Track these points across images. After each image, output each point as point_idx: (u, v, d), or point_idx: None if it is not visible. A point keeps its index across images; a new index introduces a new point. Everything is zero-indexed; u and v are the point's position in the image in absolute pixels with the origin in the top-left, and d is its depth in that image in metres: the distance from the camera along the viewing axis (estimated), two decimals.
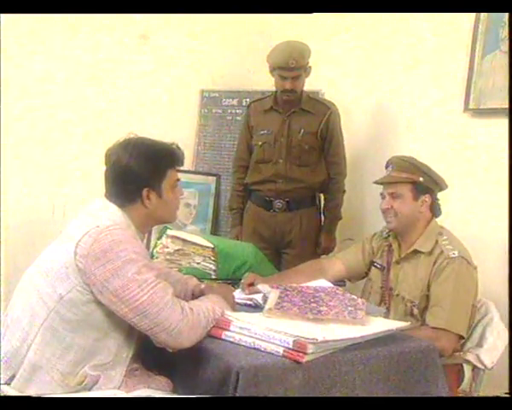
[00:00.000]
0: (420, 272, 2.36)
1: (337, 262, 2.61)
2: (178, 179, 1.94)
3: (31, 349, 1.74)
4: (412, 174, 2.39)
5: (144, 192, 1.85)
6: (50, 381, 1.73)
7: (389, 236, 2.52)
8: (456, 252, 2.31)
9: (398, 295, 2.41)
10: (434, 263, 2.33)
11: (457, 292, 2.27)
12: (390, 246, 2.50)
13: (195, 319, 1.76)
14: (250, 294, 2.27)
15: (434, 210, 2.44)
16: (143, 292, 1.71)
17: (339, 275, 2.58)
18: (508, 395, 1.99)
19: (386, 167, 2.47)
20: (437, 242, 2.36)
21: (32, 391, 1.73)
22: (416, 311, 2.34)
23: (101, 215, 1.81)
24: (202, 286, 2.11)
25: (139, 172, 1.84)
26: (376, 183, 2.49)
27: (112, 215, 1.82)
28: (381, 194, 2.47)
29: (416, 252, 2.40)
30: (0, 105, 3.35)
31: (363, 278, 2.61)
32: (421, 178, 2.39)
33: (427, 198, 2.41)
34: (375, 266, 2.53)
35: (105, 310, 1.76)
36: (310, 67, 3.16)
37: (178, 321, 1.73)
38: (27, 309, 1.77)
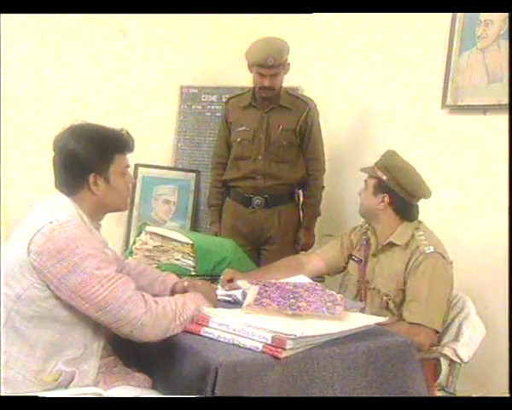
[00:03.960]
0: (395, 266, 2.38)
1: (316, 258, 2.63)
2: (128, 166, 1.91)
3: None
4: (378, 171, 2.42)
5: (91, 178, 1.81)
6: (23, 380, 1.71)
7: (368, 229, 2.54)
8: (431, 247, 2.33)
9: (374, 288, 2.43)
10: (410, 258, 2.34)
11: (433, 287, 2.29)
12: (368, 239, 2.52)
13: (160, 312, 1.75)
14: (229, 290, 2.27)
15: (402, 213, 2.41)
16: (104, 288, 1.70)
17: (318, 271, 2.59)
18: (508, 395, 2.00)
19: None
20: (413, 236, 2.38)
21: (7, 392, 1.69)
22: (391, 305, 2.36)
23: (53, 209, 1.77)
24: (185, 283, 2.09)
25: (85, 157, 1.80)
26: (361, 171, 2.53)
27: (63, 208, 1.78)
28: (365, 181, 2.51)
29: (391, 245, 2.41)
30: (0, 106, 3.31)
31: (342, 271, 2.63)
32: (384, 177, 2.40)
33: (385, 198, 2.40)
34: (353, 260, 2.55)
35: (67, 304, 1.73)
36: (288, 63, 3.16)
37: (142, 314, 1.72)
38: None
